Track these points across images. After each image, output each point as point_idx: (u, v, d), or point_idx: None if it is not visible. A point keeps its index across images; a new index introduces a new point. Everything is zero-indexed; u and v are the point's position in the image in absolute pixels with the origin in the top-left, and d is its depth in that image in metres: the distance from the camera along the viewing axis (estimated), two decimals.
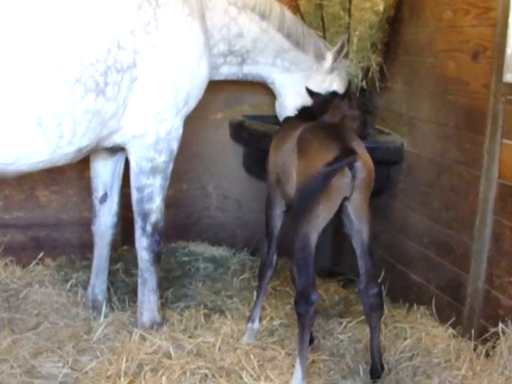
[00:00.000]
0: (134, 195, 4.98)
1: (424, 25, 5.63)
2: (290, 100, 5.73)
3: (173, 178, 5.08)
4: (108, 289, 5.59)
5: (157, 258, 5.05)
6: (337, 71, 5.82)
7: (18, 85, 4.17)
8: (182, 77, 4.83)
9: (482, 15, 4.90)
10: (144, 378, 4.34)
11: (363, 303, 4.52)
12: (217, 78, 5.48)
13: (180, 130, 4.98)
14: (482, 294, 4.84)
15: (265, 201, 4.89)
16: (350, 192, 4.23)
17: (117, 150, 5.09)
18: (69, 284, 5.82)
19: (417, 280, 5.63)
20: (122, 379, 4.33)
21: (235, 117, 6.58)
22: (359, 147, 4.36)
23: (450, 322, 5.08)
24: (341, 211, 4.33)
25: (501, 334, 4.51)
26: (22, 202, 6.33)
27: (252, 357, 4.62)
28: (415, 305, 5.47)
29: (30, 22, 4.20)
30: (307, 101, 5.23)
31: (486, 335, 4.68)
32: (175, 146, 4.98)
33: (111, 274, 5.74)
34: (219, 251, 6.74)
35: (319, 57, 5.74)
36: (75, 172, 6.29)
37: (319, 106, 5.02)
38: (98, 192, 5.38)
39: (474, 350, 4.72)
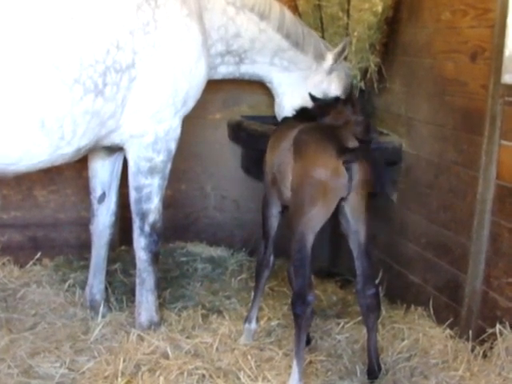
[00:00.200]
0: (132, 195, 4.98)
1: (422, 26, 5.64)
2: (288, 100, 5.72)
3: (171, 178, 5.08)
4: (106, 289, 5.58)
5: (155, 258, 5.05)
6: (336, 72, 5.81)
7: (21, 87, 4.18)
8: (180, 77, 4.83)
9: (481, 16, 4.90)
10: (141, 378, 4.34)
11: (360, 304, 4.52)
12: (215, 77, 5.47)
13: (178, 130, 4.98)
14: (479, 294, 4.84)
15: (262, 201, 4.89)
16: (347, 193, 4.23)
17: (115, 149, 5.09)
18: (66, 284, 5.82)
19: (415, 281, 5.63)
20: (120, 379, 4.33)
21: (234, 117, 6.58)
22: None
23: (447, 323, 5.08)
24: (338, 212, 4.33)
25: (498, 335, 4.51)
26: (20, 202, 6.33)
27: (249, 357, 4.62)
28: (413, 305, 5.47)
29: (29, 22, 4.20)
30: (305, 101, 5.23)
31: (484, 336, 4.68)
32: (173, 145, 4.98)
33: (109, 274, 5.74)
34: (217, 251, 6.73)
35: (319, 57, 5.73)
36: (73, 172, 6.29)
37: (320, 109, 5.01)
38: (96, 192, 5.38)
39: (472, 350, 4.72)
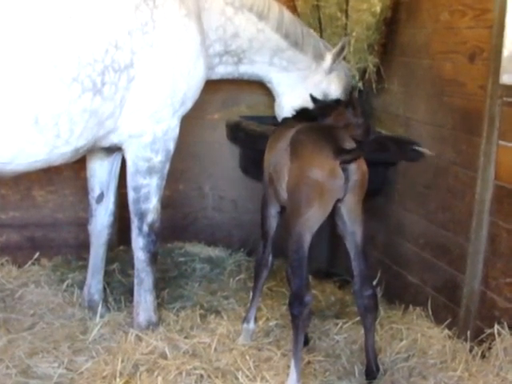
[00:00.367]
0: (131, 195, 4.98)
1: (421, 26, 5.64)
2: (288, 100, 5.72)
3: (169, 178, 5.08)
4: (104, 289, 5.58)
5: (153, 258, 5.05)
6: (336, 72, 5.80)
7: (15, 83, 4.17)
8: (178, 77, 4.83)
9: (479, 17, 4.90)
10: (140, 378, 4.34)
11: (358, 305, 4.52)
12: (213, 77, 5.47)
13: (177, 130, 4.98)
14: (477, 295, 4.84)
15: (260, 201, 4.89)
16: (344, 194, 4.23)
17: (113, 149, 5.09)
18: (65, 284, 5.81)
19: (413, 281, 5.63)
20: (118, 380, 4.32)
21: (232, 117, 6.57)
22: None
23: (445, 323, 5.08)
24: (334, 213, 4.33)
25: (496, 336, 4.51)
26: (18, 202, 6.33)
27: (248, 357, 4.61)
28: (411, 306, 5.47)
29: (28, 21, 4.20)
30: (305, 101, 5.23)
31: (482, 336, 4.68)
32: (172, 146, 4.98)
33: (107, 274, 5.74)
34: (215, 252, 6.73)
35: (318, 57, 5.72)
36: (71, 172, 6.29)
37: (320, 110, 5.01)
38: (95, 192, 5.38)
39: (470, 351, 4.72)
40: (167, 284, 6.01)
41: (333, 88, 5.74)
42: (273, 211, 4.80)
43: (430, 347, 4.86)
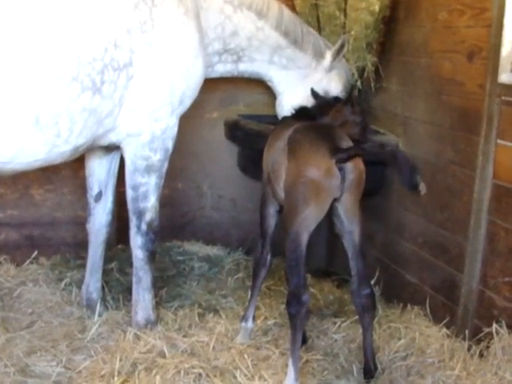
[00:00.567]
0: (129, 194, 4.98)
1: (419, 25, 5.64)
2: (288, 98, 5.72)
3: (168, 177, 5.08)
4: (102, 288, 5.59)
5: (151, 256, 5.05)
6: (336, 70, 5.79)
7: (15, 83, 4.17)
8: (177, 76, 4.83)
9: (478, 16, 4.90)
10: (138, 377, 4.34)
11: (355, 304, 4.53)
12: (212, 75, 5.47)
13: (175, 129, 4.98)
14: (476, 294, 4.84)
15: (259, 200, 4.90)
16: (340, 193, 4.23)
17: (112, 148, 5.09)
18: (63, 283, 5.81)
19: (411, 280, 5.63)
20: (116, 378, 4.32)
21: (230, 116, 6.58)
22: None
23: (444, 322, 5.08)
24: (332, 212, 4.33)
25: (495, 335, 4.51)
26: (17, 201, 6.33)
27: (246, 356, 4.62)
28: (409, 305, 5.47)
29: (27, 20, 4.20)
30: (305, 99, 5.23)
31: (480, 335, 4.68)
32: (170, 144, 4.98)
33: (106, 272, 5.74)
34: (214, 250, 6.73)
35: (318, 55, 5.72)
36: (70, 171, 6.29)
37: (319, 108, 5.02)
38: (93, 190, 5.38)
39: (468, 350, 4.73)
40: (165, 283, 6.01)
41: (333, 86, 5.73)
42: (272, 210, 4.81)
43: (428, 346, 4.86)
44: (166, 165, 5.00)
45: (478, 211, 4.80)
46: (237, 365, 4.52)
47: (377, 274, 5.87)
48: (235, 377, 4.40)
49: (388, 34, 6.06)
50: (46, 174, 6.23)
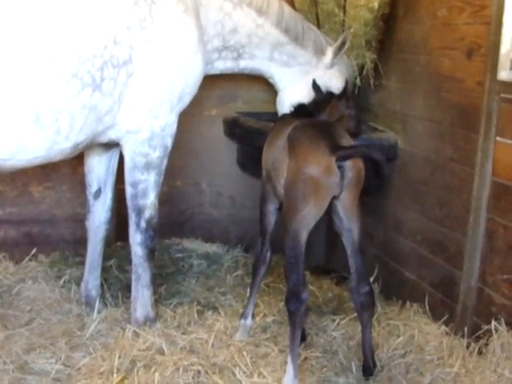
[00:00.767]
0: (128, 191, 4.98)
1: (419, 22, 5.63)
2: (288, 95, 5.70)
3: (167, 174, 5.08)
4: (101, 285, 5.58)
5: (150, 253, 5.05)
6: (337, 66, 5.79)
7: (15, 80, 4.17)
8: (176, 73, 4.83)
9: (477, 13, 4.90)
10: (137, 374, 4.34)
11: (354, 301, 4.53)
12: (212, 72, 5.47)
13: (174, 126, 4.98)
14: (474, 291, 4.84)
15: (259, 197, 4.90)
16: (339, 191, 4.23)
17: (111, 145, 5.09)
18: (62, 280, 5.81)
19: (410, 277, 5.64)
20: (115, 375, 4.33)
21: (229, 113, 6.58)
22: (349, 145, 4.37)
23: (442, 320, 5.09)
24: (331, 210, 4.33)
25: (493, 332, 4.52)
26: (16, 198, 6.33)
27: (245, 353, 4.62)
28: (408, 302, 5.47)
29: (27, 16, 4.19)
30: (305, 96, 5.23)
31: (479, 333, 4.69)
32: (169, 141, 4.97)
33: (104, 270, 5.74)
34: (213, 248, 6.73)
35: (319, 52, 5.71)
36: (69, 168, 6.29)
37: (316, 105, 5.03)
38: (92, 187, 5.37)
39: (467, 347, 4.73)
40: (164, 280, 6.01)
41: (334, 82, 5.71)
42: (271, 208, 4.80)
43: (427, 343, 4.87)
44: (165, 162, 5.00)
45: (477, 208, 4.80)
46: (236, 362, 4.52)
47: (376, 271, 5.87)
48: (234, 374, 4.40)
49: (387, 32, 6.05)
50: (45, 171, 6.23)
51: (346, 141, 4.39)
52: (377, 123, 6.15)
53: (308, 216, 4.23)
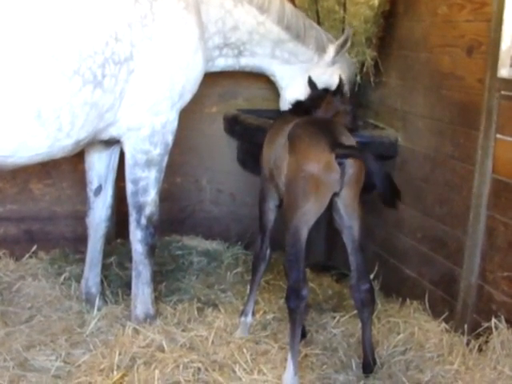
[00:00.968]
0: (129, 188, 4.98)
1: (419, 19, 5.63)
2: (290, 93, 5.70)
3: (167, 171, 5.07)
4: (101, 282, 5.58)
5: (151, 250, 5.05)
6: (338, 64, 5.79)
7: (17, 76, 4.17)
8: (177, 70, 4.83)
9: (477, 10, 4.90)
10: (137, 371, 4.34)
11: (354, 299, 4.52)
12: (213, 69, 5.47)
13: (175, 123, 4.98)
14: (475, 288, 4.84)
15: (258, 195, 4.90)
16: (340, 188, 4.23)
17: (112, 142, 5.09)
18: (62, 277, 5.82)
19: (410, 275, 5.64)
20: (115, 372, 4.33)
21: (230, 110, 6.58)
22: (349, 142, 4.37)
23: (442, 317, 5.09)
24: (331, 207, 4.33)
25: (494, 329, 4.52)
26: (16, 195, 6.33)
27: (245, 350, 4.62)
28: (408, 299, 5.47)
29: (28, 13, 4.20)
30: (307, 94, 5.23)
31: (479, 330, 4.68)
32: (170, 138, 4.97)
33: (105, 267, 5.74)
34: (213, 245, 6.73)
35: (320, 49, 5.71)
36: (69, 165, 6.29)
37: (312, 102, 5.04)
38: (93, 184, 5.37)
39: (467, 344, 4.73)
40: (164, 277, 6.01)
41: (335, 79, 5.70)
42: (271, 205, 4.81)
43: (426, 341, 4.87)
44: (165, 159, 5.00)
45: (477, 206, 4.80)
46: (236, 359, 4.52)
47: (376, 268, 5.87)
48: (234, 371, 4.40)
49: (387, 29, 6.05)
50: (45, 168, 6.23)
51: (346, 138, 4.39)
52: (377, 120, 6.15)
53: (308, 213, 4.23)
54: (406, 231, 5.73)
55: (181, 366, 4.37)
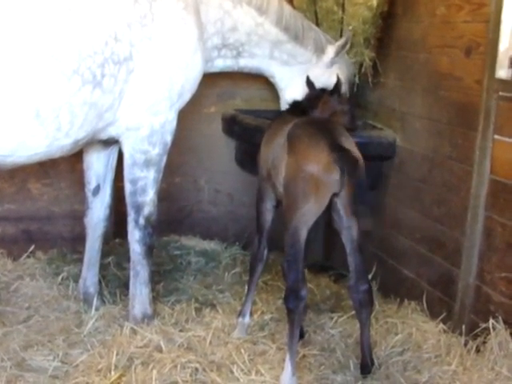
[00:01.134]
0: (128, 188, 4.98)
1: (417, 20, 5.63)
2: (289, 94, 5.69)
3: (165, 172, 5.07)
4: (99, 282, 5.57)
5: (149, 250, 5.05)
6: (337, 65, 5.79)
7: (16, 76, 4.17)
8: (176, 70, 4.83)
9: (476, 11, 4.90)
10: (134, 371, 4.34)
11: (353, 299, 4.52)
12: (212, 70, 5.48)
13: (174, 123, 4.98)
14: (472, 289, 4.85)
15: (256, 195, 4.89)
16: (340, 188, 4.22)
17: (110, 142, 5.09)
18: (60, 277, 5.81)
19: (408, 275, 5.64)
20: (113, 373, 4.33)
21: (228, 111, 6.58)
22: (349, 143, 4.36)
23: (440, 318, 5.08)
24: (330, 207, 4.33)
25: (491, 330, 4.52)
26: (14, 195, 6.32)
27: (243, 351, 4.62)
28: (406, 300, 5.47)
29: (28, 13, 4.20)
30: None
31: (477, 331, 4.68)
32: (169, 138, 4.98)
33: (102, 267, 5.73)
34: (211, 245, 6.73)
35: (319, 50, 5.71)
36: (67, 165, 6.28)
37: (309, 102, 5.04)
38: (91, 184, 5.37)
39: (465, 345, 4.73)
40: (162, 277, 6.01)
41: (334, 81, 5.70)
42: (268, 205, 4.81)
43: (424, 341, 4.87)
44: (164, 159, 5.00)
45: (475, 206, 4.81)
46: (234, 360, 4.52)
47: (374, 269, 5.87)
48: (232, 372, 4.40)
49: (386, 29, 6.05)
50: (43, 168, 6.22)
51: (346, 138, 4.39)
52: (375, 121, 6.15)
53: (308, 213, 4.23)
54: (404, 232, 5.73)
55: (178, 367, 4.37)
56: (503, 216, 4.58)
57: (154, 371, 4.30)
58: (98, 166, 5.34)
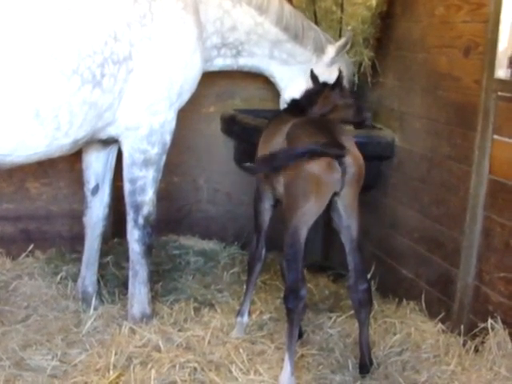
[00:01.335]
0: (127, 187, 4.98)
1: (416, 20, 5.63)
2: (289, 94, 5.68)
3: (164, 171, 5.07)
4: (98, 281, 5.57)
5: (148, 250, 5.05)
6: (337, 64, 5.78)
7: (16, 75, 4.17)
8: (175, 70, 4.83)
9: (474, 11, 4.90)
10: (133, 371, 4.34)
11: (352, 299, 4.52)
12: (211, 69, 5.47)
13: (173, 123, 4.98)
14: (471, 289, 4.85)
15: (254, 194, 4.89)
16: (340, 187, 4.22)
17: (109, 141, 5.09)
18: (58, 276, 5.81)
19: (407, 275, 5.64)
20: (111, 372, 4.33)
21: (227, 110, 6.58)
22: (349, 142, 4.36)
23: (439, 318, 5.09)
24: (330, 206, 4.32)
25: (490, 330, 4.52)
26: (12, 194, 6.32)
27: (241, 351, 4.62)
28: (405, 300, 5.48)
29: (27, 13, 4.20)
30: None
31: (476, 331, 4.69)
32: (168, 138, 4.98)
33: (101, 266, 5.73)
34: (209, 245, 6.73)
35: (319, 50, 5.71)
36: (66, 164, 6.28)
37: (307, 99, 5.02)
38: (90, 183, 5.37)
39: (463, 345, 4.73)
40: (161, 277, 6.00)
41: (334, 79, 5.70)
42: (266, 205, 4.80)
43: (423, 341, 4.87)
44: (163, 158, 5.00)
45: (474, 206, 4.81)
46: (232, 359, 4.52)
47: (372, 268, 5.86)
48: (230, 371, 4.40)
49: (385, 29, 6.05)
50: (42, 167, 6.22)
51: (346, 138, 4.38)
52: (374, 121, 6.13)
53: (308, 213, 4.22)
54: (402, 231, 5.73)
55: (177, 366, 4.37)
56: (502, 216, 4.58)
57: (153, 371, 4.30)
58: (97, 165, 5.33)
